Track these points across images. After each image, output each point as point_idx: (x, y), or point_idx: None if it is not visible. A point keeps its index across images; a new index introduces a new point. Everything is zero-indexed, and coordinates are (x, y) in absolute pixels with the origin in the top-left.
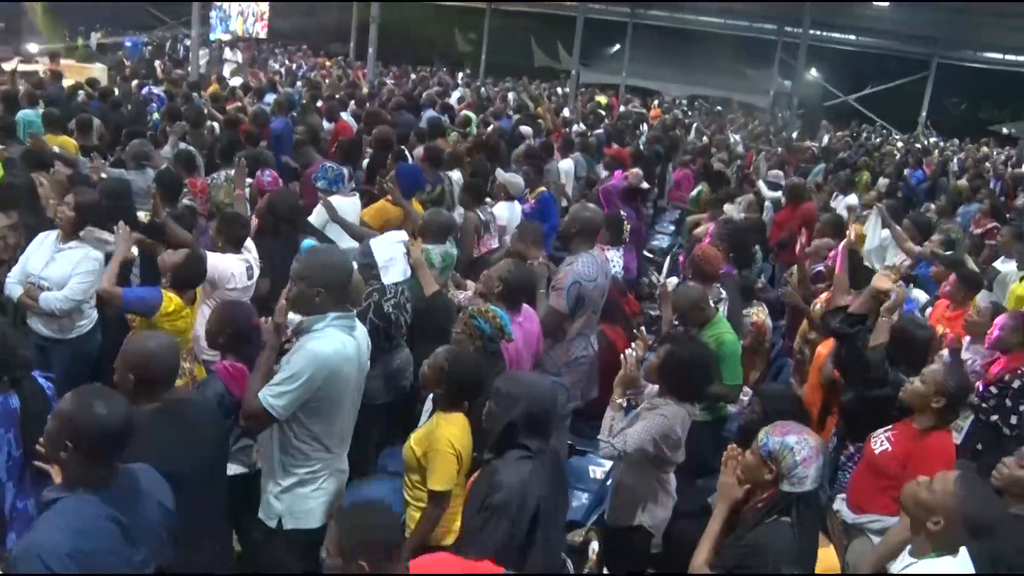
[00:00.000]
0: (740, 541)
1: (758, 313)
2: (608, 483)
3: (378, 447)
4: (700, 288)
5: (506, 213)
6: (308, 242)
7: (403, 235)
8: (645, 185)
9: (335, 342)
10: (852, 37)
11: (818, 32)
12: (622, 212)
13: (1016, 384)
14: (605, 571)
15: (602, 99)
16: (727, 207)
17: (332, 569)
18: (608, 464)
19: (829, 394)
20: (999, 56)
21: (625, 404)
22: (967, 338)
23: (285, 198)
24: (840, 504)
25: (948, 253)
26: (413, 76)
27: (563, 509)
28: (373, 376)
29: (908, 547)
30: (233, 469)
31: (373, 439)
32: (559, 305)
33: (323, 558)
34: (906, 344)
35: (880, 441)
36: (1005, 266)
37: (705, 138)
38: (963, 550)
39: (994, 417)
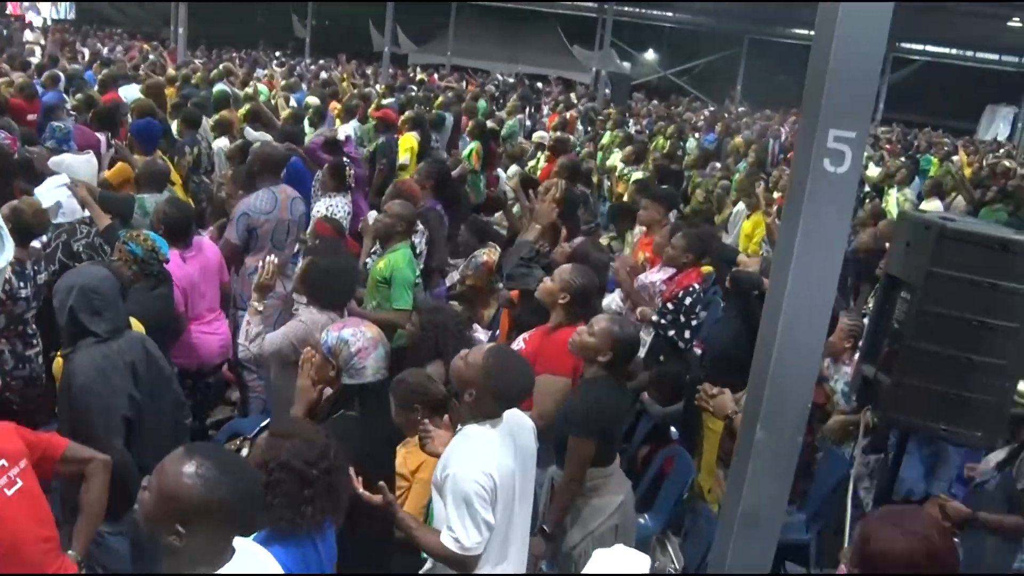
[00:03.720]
0: None
1: (489, 253)
2: None
3: None
4: (398, 214)
5: None
6: None
7: (64, 179)
8: (342, 136)
9: None
10: (669, 14)
11: (634, 9)
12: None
13: (688, 301)
14: None
15: (422, 76)
16: (513, 167)
17: None
18: None
19: (510, 316)
20: (806, 32)
21: (262, 308)
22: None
23: None
24: None
25: (664, 187)
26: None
27: (158, 391)
28: None
29: None
30: None
31: None
32: (229, 235)
33: None
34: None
35: (518, 342)
36: (740, 206)
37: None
38: (507, 416)
39: (671, 332)
